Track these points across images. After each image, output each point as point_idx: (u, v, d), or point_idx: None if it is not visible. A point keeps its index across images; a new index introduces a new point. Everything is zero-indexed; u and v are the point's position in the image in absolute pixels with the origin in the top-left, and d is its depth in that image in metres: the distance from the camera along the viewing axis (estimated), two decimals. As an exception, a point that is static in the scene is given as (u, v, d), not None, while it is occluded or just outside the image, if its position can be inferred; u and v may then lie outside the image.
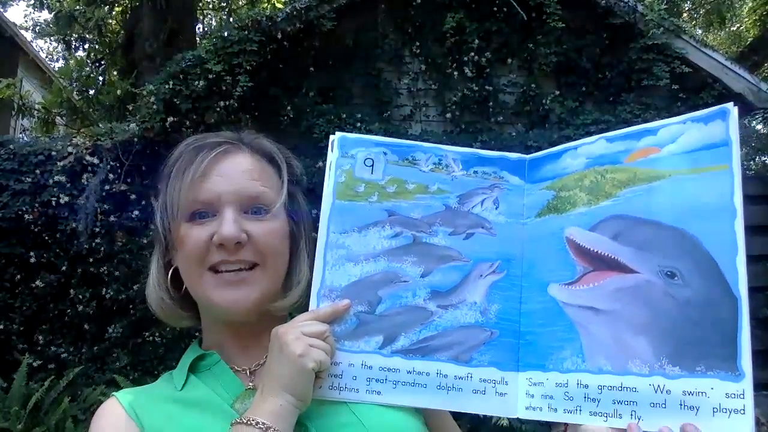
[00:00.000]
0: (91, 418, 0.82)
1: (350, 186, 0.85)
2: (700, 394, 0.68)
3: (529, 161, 0.87)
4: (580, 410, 0.74)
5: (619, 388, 0.72)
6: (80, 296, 4.45)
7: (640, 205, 0.76)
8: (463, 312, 0.82)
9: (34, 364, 4.23)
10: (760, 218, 4.60)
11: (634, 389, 0.71)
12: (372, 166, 0.86)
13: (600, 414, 0.73)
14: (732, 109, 0.73)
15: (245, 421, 0.71)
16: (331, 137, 0.87)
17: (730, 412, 0.66)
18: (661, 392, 0.70)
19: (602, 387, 0.73)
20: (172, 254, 0.88)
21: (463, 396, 0.79)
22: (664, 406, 0.69)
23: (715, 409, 0.67)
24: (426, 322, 0.81)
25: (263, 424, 0.70)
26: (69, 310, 4.46)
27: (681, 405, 0.68)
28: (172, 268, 0.87)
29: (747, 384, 0.66)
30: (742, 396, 0.66)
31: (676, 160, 0.75)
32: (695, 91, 5.17)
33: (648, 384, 0.70)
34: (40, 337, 4.44)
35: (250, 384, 0.83)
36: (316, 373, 0.75)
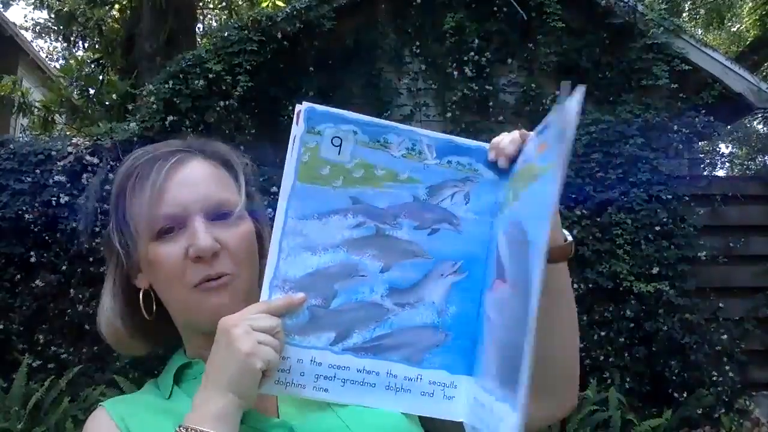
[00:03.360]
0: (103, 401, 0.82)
1: (314, 167, 0.77)
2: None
3: None
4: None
5: (490, 409, 0.72)
6: (80, 296, 4.45)
7: (521, 207, 0.71)
8: (419, 311, 0.78)
9: (34, 364, 4.23)
10: (760, 218, 4.60)
11: (490, 409, 0.72)
12: (340, 146, 0.77)
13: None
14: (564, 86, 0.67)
15: (189, 430, 0.68)
16: (297, 107, 0.77)
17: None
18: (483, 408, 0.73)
19: (484, 402, 0.74)
20: (137, 276, 0.83)
21: (411, 397, 0.77)
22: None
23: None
24: (381, 320, 0.77)
25: None
26: (69, 310, 4.46)
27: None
28: (141, 290, 0.83)
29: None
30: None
31: (544, 157, 0.68)
32: (695, 90, 5.17)
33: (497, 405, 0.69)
34: (40, 337, 4.43)
35: None
36: (264, 371, 0.71)
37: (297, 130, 0.77)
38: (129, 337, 0.86)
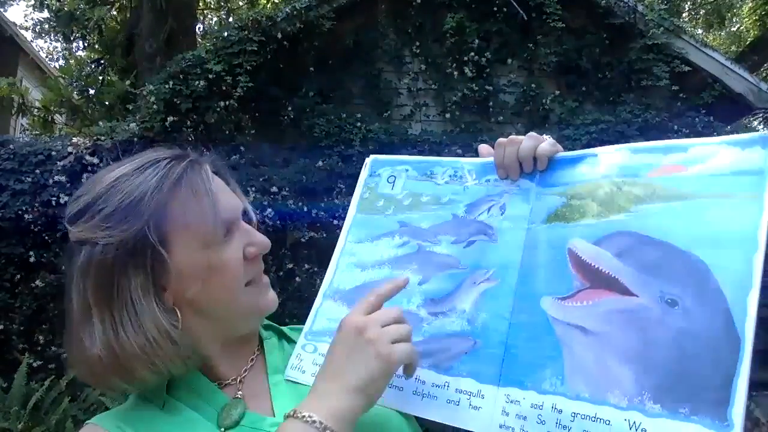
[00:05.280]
0: (91, 418, 0.77)
1: (372, 201, 0.93)
2: None
3: None
4: None
5: (593, 419, 0.65)
6: (80, 296, 4.45)
7: (653, 224, 0.70)
8: (450, 319, 0.80)
9: (34, 364, 4.23)
10: (760, 218, 4.59)
11: (607, 422, 0.65)
12: (394, 182, 0.93)
13: None
14: None
15: (306, 419, 0.63)
16: (366, 160, 0.97)
17: None
18: (636, 430, 0.63)
19: (576, 414, 0.67)
20: (178, 289, 0.74)
21: (437, 404, 0.76)
22: None
23: None
24: (415, 328, 0.78)
25: (321, 424, 0.62)
26: (69, 310, 4.46)
27: None
28: (178, 307, 0.74)
29: None
30: None
31: (702, 182, 0.69)
32: (695, 91, 5.17)
33: (623, 419, 0.64)
34: (40, 337, 4.43)
35: (239, 393, 0.79)
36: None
37: (363, 175, 0.97)
38: (171, 358, 0.72)
